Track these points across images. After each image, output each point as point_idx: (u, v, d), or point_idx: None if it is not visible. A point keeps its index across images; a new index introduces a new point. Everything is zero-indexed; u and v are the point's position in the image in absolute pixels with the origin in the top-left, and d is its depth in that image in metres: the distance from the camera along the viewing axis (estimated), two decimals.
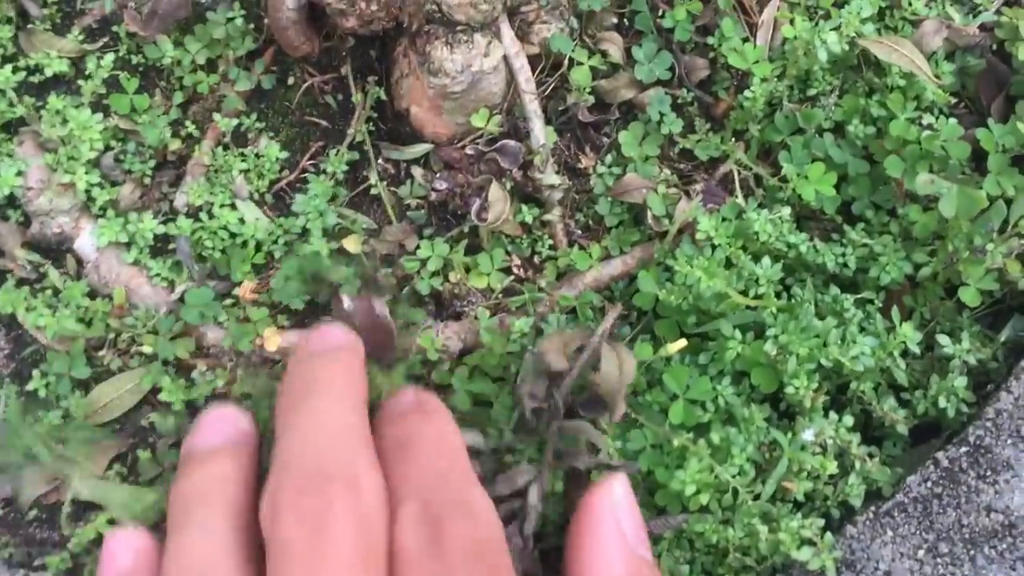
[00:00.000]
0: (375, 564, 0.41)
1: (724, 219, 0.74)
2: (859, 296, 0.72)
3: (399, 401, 0.53)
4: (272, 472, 0.44)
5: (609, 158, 0.80)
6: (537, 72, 0.81)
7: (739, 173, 0.78)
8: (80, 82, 0.81)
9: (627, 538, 0.48)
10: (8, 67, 0.79)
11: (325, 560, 0.40)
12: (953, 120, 0.74)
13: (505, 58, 0.78)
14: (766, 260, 0.70)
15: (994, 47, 0.82)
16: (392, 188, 0.80)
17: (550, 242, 0.77)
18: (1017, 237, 0.69)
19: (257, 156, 0.80)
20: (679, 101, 0.81)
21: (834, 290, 0.72)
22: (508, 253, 0.77)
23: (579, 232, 0.79)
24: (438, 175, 0.80)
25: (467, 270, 0.76)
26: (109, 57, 0.81)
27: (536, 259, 0.78)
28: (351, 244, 0.76)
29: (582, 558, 0.48)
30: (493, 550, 0.44)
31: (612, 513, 0.49)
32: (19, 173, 0.76)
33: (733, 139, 0.80)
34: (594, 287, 0.75)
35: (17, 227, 0.77)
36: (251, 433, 0.52)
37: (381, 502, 0.43)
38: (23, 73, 0.80)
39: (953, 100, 0.77)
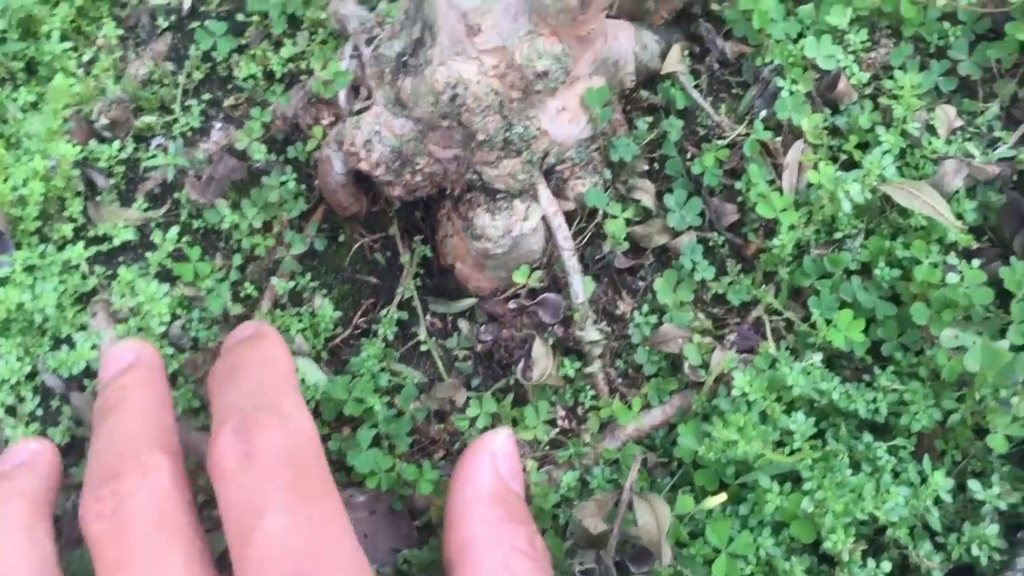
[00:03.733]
0: (174, 524, 0.46)
1: (758, 371, 0.77)
2: (891, 443, 0.75)
3: (236, 334, 0.61)
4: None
5: (646, 306, 0.83)
6: (575, 224, 0.85)
7: (770, 320, 0.81)
8: (147, 253, 0.86)
9: (501, 470, 0.55)
10: (80, 243, 0.85)
11: (127, 541, 0.45)
12: (976, 264, 0.77)
13: (543, 217, 0.82)
14: (800, 416, 0.73)
15: (1015, 177, 0.84)
16: (440, 341, 0.85)
17: (592, 392, 0.81)
18: None
19: (312, 315, 0.85)
20: (710, 243, 0.85)
21: (867, 437, 0.75)
22: (552, 404, 0.82)
23: (620, 380, 0.83)
24: (483, 328, 0.84)
25: (515, 423, 0.81)
26: (173, 230, 0.86)
27: (579, 409, 0.82)
28: (402, 402, 0.81)
29: (456, 482, 0.54)
30: (308, 455, 0.49)
31: (489, 450, 0.56)
32: (93, 346, 0.82)
33: (764, 283, 0.83)
34: (635, 438, 0.79)
35: (93, 398, 0.83)
36: (46, 457, 0.61)
37: (171, 475, 0.49)
38: (93, 249, 0.86)
39: (976, 243, 0.80)
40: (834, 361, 0.81)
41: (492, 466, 0.57)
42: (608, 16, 0.84)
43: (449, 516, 0.54)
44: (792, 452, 0.73)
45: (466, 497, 0.53)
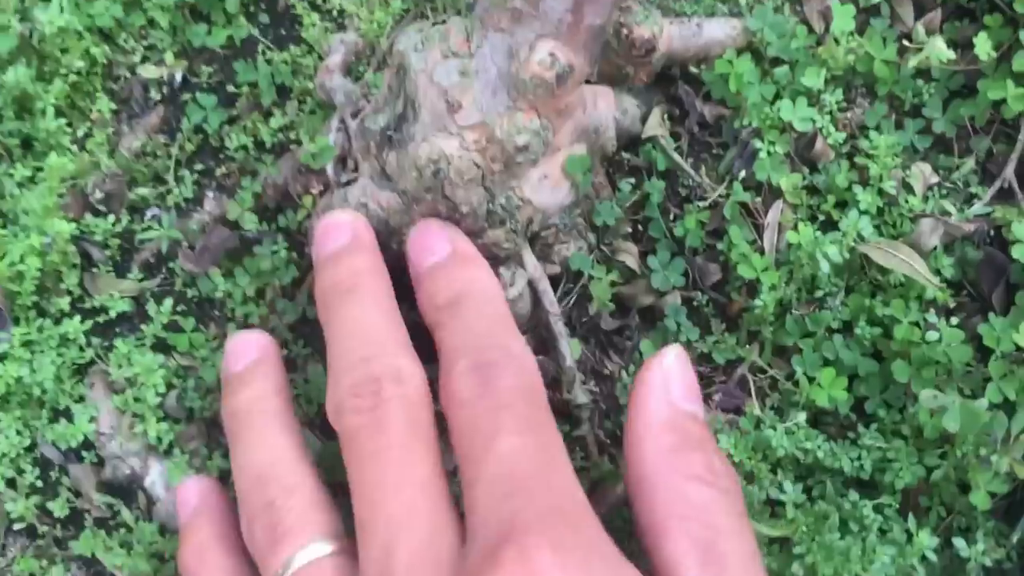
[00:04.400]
0: (424, 434, 0.51)
1: (742, 433, 0.78)
2: (877, 502, 0.76)
3: (432, 249, 0.64)
4: (329, 379, 0.55)
5: (633, 366, 0.85)
6: (560, 287, 0.87)
7: (755, 379, 0.83)
8: (142, 325, 0.88)
9: (673, 394, 0.56)
10: (77, 316, 0.87)
11: (384, 436, 0.50)
12: (956, 320, 0.78)
13: (529, 282, 0.83)
14: (787, 484, 0.75)
15: (991, 232, 0.86)
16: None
17: (582, 454, 0.82)
18: (1021, 444, 0.73)
19: (306, 382, 0.87)
20: (694, 303, 0.87)
21: (853, 495, 0.76)
22: None
23: (609, 441, 0.84)
24: None
25: None
26: (167, 302, 0.88)
27: None
28: None
29: (630, 415, 0.56)
30: (536, 392, 0.53)
31: (661, 375, 0.58)
32: (91, 419, 0.84)
33: (748, 342, 0.85)
34: (626, 500, 0.80)
35: (92, 469, 0.84)
36: (274, 347, 0.64)
37: (421, 385, 0.53)
38: (90, 322, 0.88)
39: (955, 299, 0.82)
40: (819, 418, 0.82)
41: (662, 390, 0.56)
42: (588, 82, 0.86)
43: (626, 452, 0.55)
44: (783, 519, 0.74)
45: (637, 430, 0.55)
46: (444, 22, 0.80)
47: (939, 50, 0.87)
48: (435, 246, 0.61)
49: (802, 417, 0.78)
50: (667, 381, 0.57)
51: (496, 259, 0.82)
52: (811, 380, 0.80)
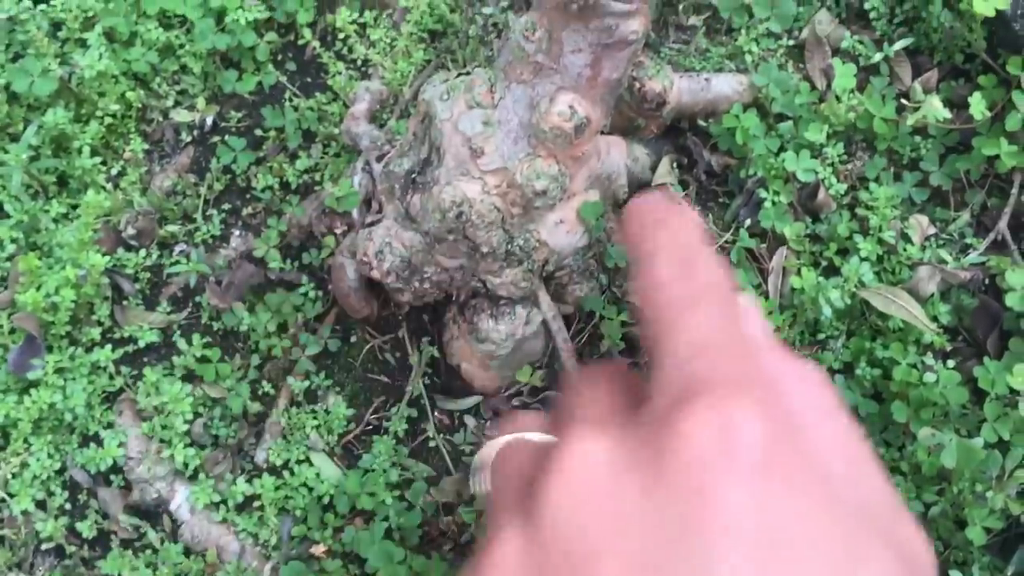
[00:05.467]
0: None
1: None
2: None
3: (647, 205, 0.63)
4: None
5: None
6: (573, 325, 0.90)
7: None
8: (172, 356, 0.92)
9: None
10: (108, 345, 0.91)
11: None
12: (951, 364, 0.82)
13: (543, 320, 0.87)
14: None
15: (986, 281, 0.90)
16: (448, 436, 0.90)
17: None
18: (1015, 481, 0.76)
19: (327, 412, 0.90)
20: None
21: None
22: None
23: None
24: (488, 423, 0.89)
25: None
26: (196, 336, 0.92)
27: None
28: (413, 496, 0.85)
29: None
30: (729, 291, 0.52)
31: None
32: (120, 444, 0.87)
33: None
34: None
35: (120, 492, 0.87)
36: None
37: None
38: (120, 351, 0.91)
39: (951, 344, 0.86)
40: None
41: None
42: (601, 132, 0.91)
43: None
44: None
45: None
46: (468, 73, 0.84)
47: (936, 109, 0.91)
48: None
49: None
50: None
51: (513, 299, 0.86)
52: None
